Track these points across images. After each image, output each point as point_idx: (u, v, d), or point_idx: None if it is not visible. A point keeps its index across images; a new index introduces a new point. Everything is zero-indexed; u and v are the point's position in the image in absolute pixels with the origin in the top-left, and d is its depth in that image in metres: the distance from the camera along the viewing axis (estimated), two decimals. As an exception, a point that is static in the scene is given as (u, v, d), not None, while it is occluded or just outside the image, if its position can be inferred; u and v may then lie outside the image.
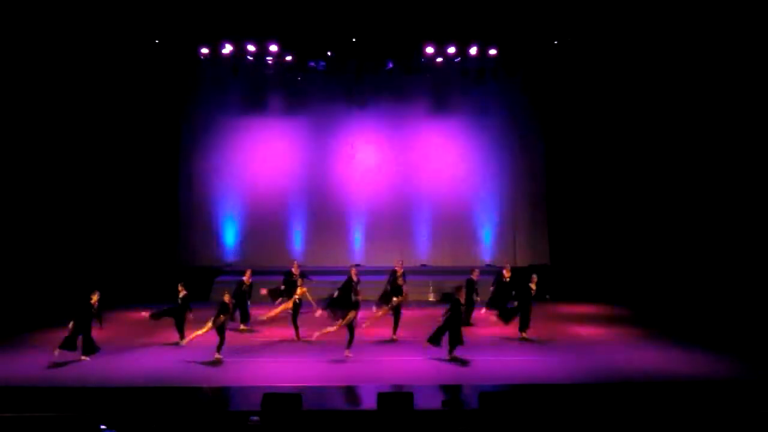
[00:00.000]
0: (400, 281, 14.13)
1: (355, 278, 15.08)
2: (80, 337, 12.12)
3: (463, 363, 11.88)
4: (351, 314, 12.22)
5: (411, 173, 21.46)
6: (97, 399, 9.66)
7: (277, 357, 12.45)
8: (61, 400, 9.57)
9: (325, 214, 21.38)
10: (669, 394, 9.85)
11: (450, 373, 11.35)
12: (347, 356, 12.12)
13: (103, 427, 7.99)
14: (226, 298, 12.36)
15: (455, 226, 21.34)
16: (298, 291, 13.94)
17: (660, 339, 13.90)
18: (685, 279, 17.96)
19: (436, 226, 21.41)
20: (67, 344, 11.93)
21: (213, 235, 21.38)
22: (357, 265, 17.37)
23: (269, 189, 21.36)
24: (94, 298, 12.26)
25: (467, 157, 21.55)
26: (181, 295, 13.60)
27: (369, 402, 9.20)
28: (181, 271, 19.70)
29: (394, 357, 12.33)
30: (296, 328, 13.76)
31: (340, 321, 12.28)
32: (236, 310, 14.02)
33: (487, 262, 20.73)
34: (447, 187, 21.36)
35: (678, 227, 18.78)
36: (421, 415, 8.49)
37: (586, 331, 14.86)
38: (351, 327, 12.23)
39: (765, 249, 16.60)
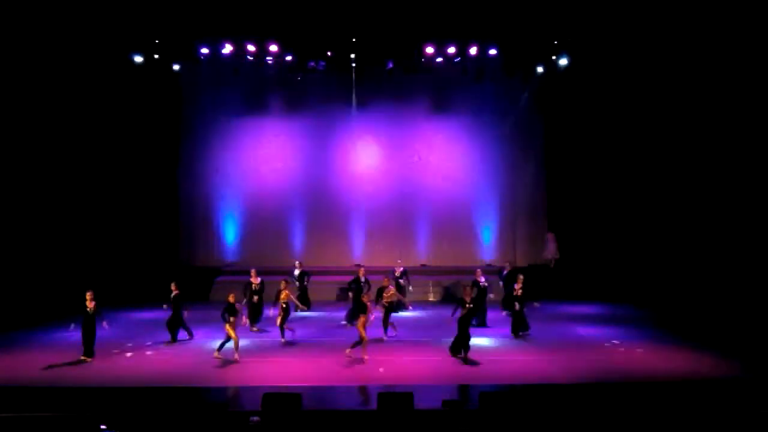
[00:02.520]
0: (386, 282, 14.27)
1: (362, 279, 15.20)
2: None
3: (463, 363, 11.88)
4: (362, 318, 12.11)
5: (411, 173, 21.47)
6: (97, 399, 9.66)
7: (277, 357, 12.44)
8: (61, 400, 9.57)
9: (326, 214, 21.39)
10: (669, 394, 9.85)
11: (450, 373, 11.35)
12: (348, 354, 12.07)
13: (103, 427, 7.99)
14: (231, 298, 12.29)
15: (455, 226, 21.35)
16: (282, 295, 13.58)
17: (660, 338, 13.90)
18: (686, 278, 17.96)
19: (436, 226, 21.42)
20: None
21: (213, 235, 21.41)
22: (358, 265, 17.39)
23: (269, 189, 21.37)
24: (88, 297, 12.15)
25: (467, 156, 21.56)
26: (173, 294, 13.54)
27: (369, 402, 9.20)
28: (181, 271, 19.75)
29: (394, 357, 12.32)
30: (282, 330, 13.53)
31: (360, 328, 12.05)
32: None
33: (487, 262, 20.73)
34: (447, 186, 21.37)
35: (678, 226, 18.78)
36: (421, 415, 8.49)
37: (587, 331, 14.86)
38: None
39: (765, 248, 16.60)
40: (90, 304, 12.09)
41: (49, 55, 17.84)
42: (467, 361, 11.92)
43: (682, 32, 17.73)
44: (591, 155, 20.44)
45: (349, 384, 10.79)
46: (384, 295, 13.82)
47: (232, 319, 12.01)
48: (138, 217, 20.17)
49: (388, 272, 16.20)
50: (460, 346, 12.10)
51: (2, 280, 16.66)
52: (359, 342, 11.99)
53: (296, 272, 17.44)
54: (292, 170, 21.48)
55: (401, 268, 17.20)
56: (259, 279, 15.28)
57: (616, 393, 10.01)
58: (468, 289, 12.44)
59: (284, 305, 13.54)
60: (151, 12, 17.94)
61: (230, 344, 12.03)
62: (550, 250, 20.73)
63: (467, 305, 12.01)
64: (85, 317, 12.09)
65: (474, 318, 13.08)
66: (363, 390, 10.48)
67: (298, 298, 16.03)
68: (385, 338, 13.69)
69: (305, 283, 17.44)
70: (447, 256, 21.21)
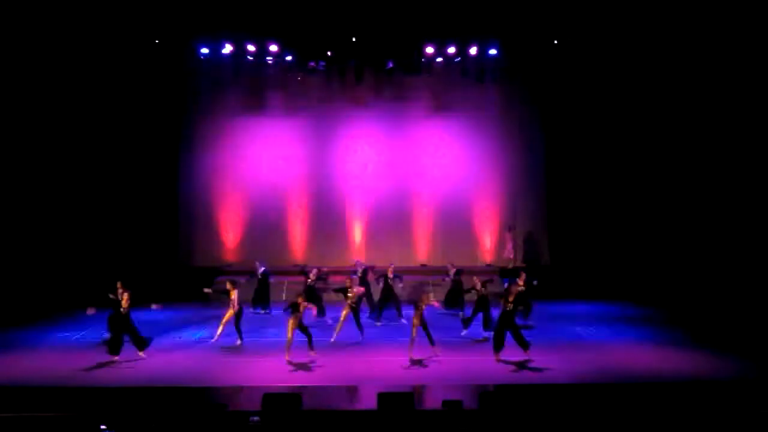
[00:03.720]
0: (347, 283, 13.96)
1: (390, 276, 15.37)
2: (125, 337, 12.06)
3: (464, 363, 11.88)
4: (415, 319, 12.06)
5: (411, 173, 21.45)
6: (97, 399, 9.66)
7: (277, 357, 12.43)
8: (61, 400, 9.56)
9: (326, 214, 21.36)
10: (669, 394, 9.85)
11: (450, 373, 11.35)
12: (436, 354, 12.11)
13: (103, 427, 7.99)
14: (300, 299, 12.11)
15: (455, 226, 21.31)
16: (232, 294, 13.23)
17: (660, 338, 13.90)
18: (685, 278, 17.97)
19: (436, 226, 21.39)
20: (112, 347, 11.95)
21: (213, 235, 21.36)
22: (364, 267, 16.88)
23: (269, 189, 21.33)
24: (125, 297, 12.11)
25: (467, 157, 21.54)
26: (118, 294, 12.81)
27: (369, 402, 9.19)
28: (181, 271, 19.76)
29: (394, 357, 12.31)
30: (239, 332, 13.33)
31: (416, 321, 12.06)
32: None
33: (487, 262, 20.72)
34: (447, 186, 21.35)
35: (677, 226, 18.80)
36: (421, 415, 8.49)
37: (586, 331, 14.85)
38: (423, 324, 12.03)
39: (765, 246, 16.61)
40: (125, 304, 12.07)
41: (51, 55, 17.87)
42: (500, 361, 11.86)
43: (680, 32, 17.76)
44: (591, 155, 20.44)
45: (349, 384, 10.79)
46: (348, 294, 13.65)
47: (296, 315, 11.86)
48: (137, 216, 20.13)
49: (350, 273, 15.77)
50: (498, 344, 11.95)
51: (1, 280, 16.68)
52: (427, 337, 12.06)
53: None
54: (292, 170, 21.44)
55: (363, 267, 16.50)
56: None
57: (616, 393, 10.01)
58: (513, 287, 12.37)
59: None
60: (151, 12, 17.95)
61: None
62: (508, 250, 20.71)
63: (509, 304, 11.98)
64: (118, 316, 12.03)
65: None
66: (363, 390, 10.48)
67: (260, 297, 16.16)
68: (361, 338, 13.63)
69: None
70: (447, 256, 21.15)
